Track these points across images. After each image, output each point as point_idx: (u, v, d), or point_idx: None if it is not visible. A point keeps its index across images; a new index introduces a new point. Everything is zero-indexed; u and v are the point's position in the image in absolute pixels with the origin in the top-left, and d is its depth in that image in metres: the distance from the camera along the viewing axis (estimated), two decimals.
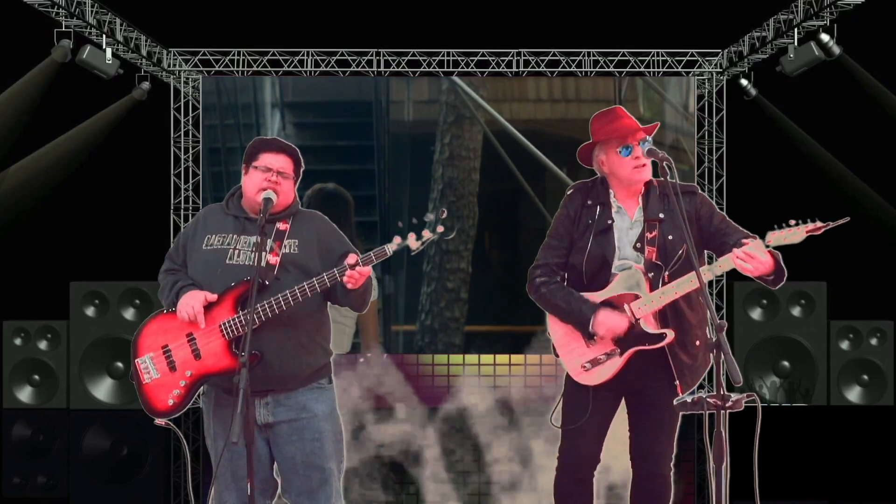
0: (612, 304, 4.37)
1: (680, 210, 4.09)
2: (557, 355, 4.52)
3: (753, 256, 4.24)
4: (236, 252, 4.21)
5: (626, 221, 4.46)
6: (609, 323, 4.34)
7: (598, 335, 4.37)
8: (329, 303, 4.33)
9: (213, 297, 4.13)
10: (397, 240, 4.10)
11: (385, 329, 10.91)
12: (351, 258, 4.09)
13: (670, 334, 4.34)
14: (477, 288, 11.02)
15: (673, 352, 4.36)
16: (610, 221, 4.44)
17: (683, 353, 4.38)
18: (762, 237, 4.28)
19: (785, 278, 4.34)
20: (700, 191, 4.58)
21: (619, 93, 11.07)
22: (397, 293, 10.95)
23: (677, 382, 4.35)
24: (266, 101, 11.17)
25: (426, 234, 4.10)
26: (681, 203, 4.10)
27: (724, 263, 4.31)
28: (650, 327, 4.36)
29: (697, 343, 4.42)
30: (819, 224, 4.21)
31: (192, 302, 4.13)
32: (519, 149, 11.01)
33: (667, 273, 4.36)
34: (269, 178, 4.22)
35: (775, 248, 4.27)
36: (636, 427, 4.52)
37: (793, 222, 4.23)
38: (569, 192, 4.60)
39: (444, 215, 4.12)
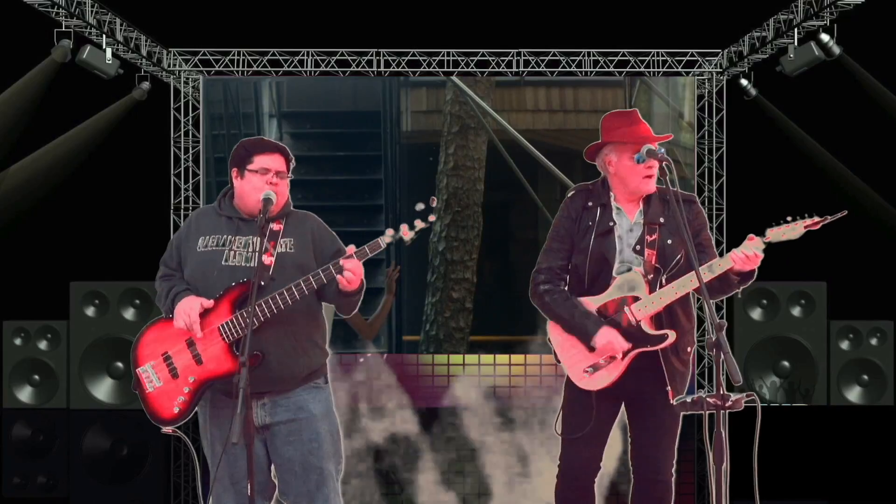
0: (616, 322, 4.36)
1: (680, 215, 4.10)
2: (559, 360, 4.51)
3: (757, 256, 4.23)
4: (232, 253, 4.15)
5: (627, 223, 4.45)
6: (610, 341, 4.32)
7: (598, 350, 4.36)
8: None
9: (210, 303, 4.07)
10: (390, 232, 4.08)
11: (397, 338, 10.87)
12: (350, 250, 4.06)
13: (672, 335, 4.33)
14: (482, 298, 10.99)
15: (666, 357, 4.36)
16: (611, 223, 4.43)
17: (676, 359, 4.38)
18: (760, 234, 4.27)
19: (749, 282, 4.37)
20: (698, 201, 4.59)
21: (629, 101, 11.05)
22: (401, 304, 10.90)
23: (668, 388, 4.34)
24: (265, 112, 11.13)
25: (418, 223, 4.08)
26: (681, 207, 4.11)
27: (724, 262, 4.30)
28: (650, 329, 4.36)
29: (689, 349, 4.43)
30: (817, 219, 4.22)
31: (188, 310, 4.06)
32: (525, 157, 10.98)
33: (664, 277, 4.36)
34: (269, 181, 4.17)
35: (773, 243, 4.26)
36: (636, 432, 4.50)
37: (790, 218, 4.23)
38: (570, 195, 4.58)
39: (435, 204, 4.11)
